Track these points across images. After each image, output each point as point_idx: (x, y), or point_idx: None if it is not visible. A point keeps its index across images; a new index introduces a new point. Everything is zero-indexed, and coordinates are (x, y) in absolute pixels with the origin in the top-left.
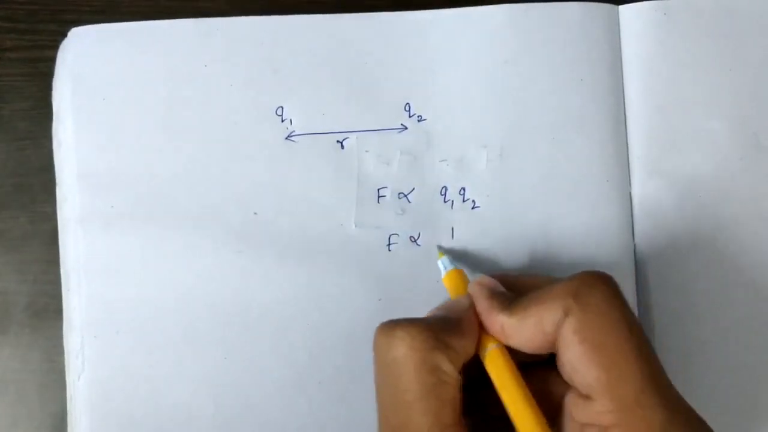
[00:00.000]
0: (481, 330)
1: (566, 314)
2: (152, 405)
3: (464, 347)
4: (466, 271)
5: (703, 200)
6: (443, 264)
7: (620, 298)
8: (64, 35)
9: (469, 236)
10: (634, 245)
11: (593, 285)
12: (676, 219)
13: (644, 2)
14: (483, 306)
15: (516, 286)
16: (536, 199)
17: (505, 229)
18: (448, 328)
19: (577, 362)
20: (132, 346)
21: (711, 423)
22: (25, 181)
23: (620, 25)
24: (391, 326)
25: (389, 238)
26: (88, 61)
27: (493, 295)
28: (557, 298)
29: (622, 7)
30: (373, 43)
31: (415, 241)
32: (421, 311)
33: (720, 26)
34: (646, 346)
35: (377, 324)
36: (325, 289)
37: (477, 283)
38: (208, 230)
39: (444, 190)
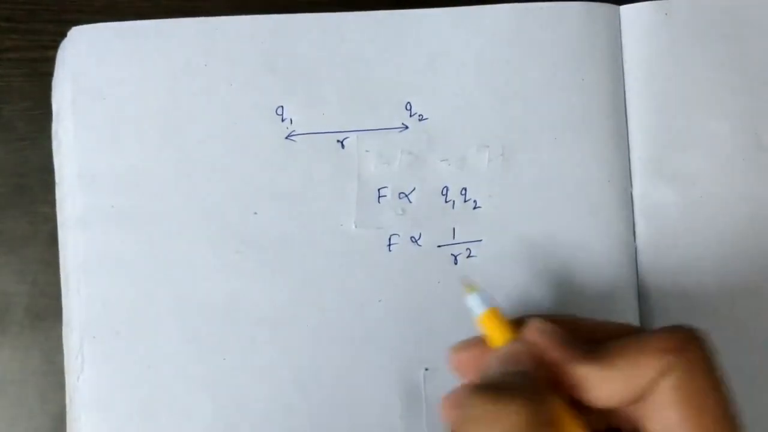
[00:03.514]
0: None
1: (666, 371)
2: (152, 405)
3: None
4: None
5: (704, 200)
6: (481, 300)
7: (717, 359)
8: (64, 35)
9: (471, 236)
10: (635, 246)
11: (695, 343)
12: (677, 219)
13: (645, 2)
14: (557, 355)
15: (573, 331)
16: (538, 199)
17: (506, 229)
18: (540, 393)
19: (674, 424)
20: (131, 347)
21: None
22: (25, 181)
23: (621, 25)
24: (499, 395)
25: (390, 239)
26: (88, 61)
27: (568, 342)
28: (657, 351)
29: (623, 7)
30: (373, 41)
31: (416, 241)
32: (422, 311)
33: (721, 26)
34: (737, 413)
35: (377, 324)
36: (325, 290)
37: (538, 331)
38: (208, 230)
39: (445, 189)
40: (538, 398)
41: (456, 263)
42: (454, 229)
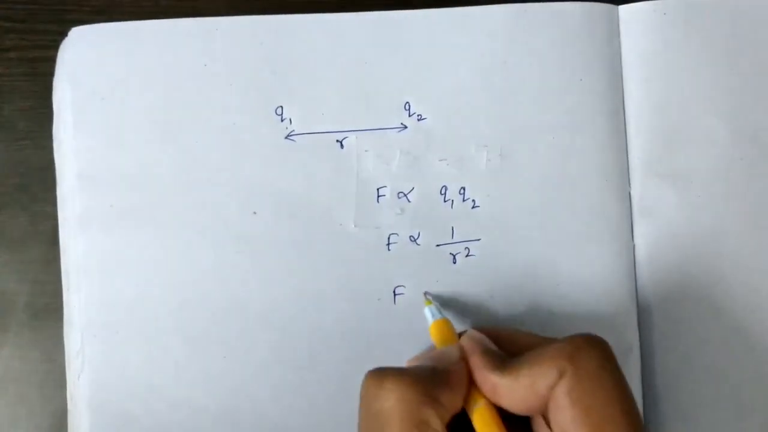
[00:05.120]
0: (470, 385)
1: (560, 376)
2: (152, 404)
3: (452, 402)
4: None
5: (702, 200)
6: (431, 312)
7: (614, 363)
8: (64, 35)
9: (469, 236)
10: (634, 245)
11: (589, 348)
12: (675, 218)
13: (644, 2)
14: (476, 363)
15: (503, 342)
16: (536, 198)
17: (504, 229)
18: (437, 382)
19: (568, 425)
20: (132, 346)
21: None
22: (25, 181)
23: (620, 25)
24: (381, 376)
25: (389, 238)
26: (88, 61)
27: (486, 352)
28: (552, 360)
29: (622, 7)
30: (372, 42)
31: (415, 240)
32: (420, 312)
33: (720, 26)
34: (637, 415)
35: (377, 324)
36: (325, 289)
37: (469, 338)
38: (208, 230)
39: (444, 189)
40: (424, 386)
41: (455, 262)
42: (452, 228)
